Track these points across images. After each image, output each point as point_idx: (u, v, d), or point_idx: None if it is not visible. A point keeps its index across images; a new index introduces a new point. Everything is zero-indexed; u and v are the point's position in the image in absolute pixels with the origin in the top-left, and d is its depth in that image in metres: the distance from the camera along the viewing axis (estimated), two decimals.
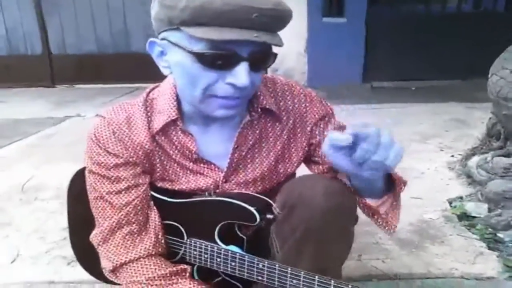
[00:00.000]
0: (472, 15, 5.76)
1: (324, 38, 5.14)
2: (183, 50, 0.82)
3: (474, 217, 1.86)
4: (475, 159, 2.27)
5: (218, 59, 0.80)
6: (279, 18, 0.80)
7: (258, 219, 0.95)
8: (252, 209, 0.95)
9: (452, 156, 2.66)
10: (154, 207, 1.02)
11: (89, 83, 5.90)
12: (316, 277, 0.86)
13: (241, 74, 0.80)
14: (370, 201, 0.95)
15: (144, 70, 5.76)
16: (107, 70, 5.92)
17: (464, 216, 1.88)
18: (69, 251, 1.62)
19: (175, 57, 0.85)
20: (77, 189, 1.16)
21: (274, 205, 0.95)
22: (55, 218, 1.94)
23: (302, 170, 1.10)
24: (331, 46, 5.08)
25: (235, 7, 0.74)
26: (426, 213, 1.92)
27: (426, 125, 3.47)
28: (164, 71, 0.91)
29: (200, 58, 0.80)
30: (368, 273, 1.50)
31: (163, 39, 0.86)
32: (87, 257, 1.22)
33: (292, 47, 4.97)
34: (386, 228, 0.99)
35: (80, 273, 1.47)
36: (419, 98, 4.59)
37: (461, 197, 2.07)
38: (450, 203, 2.02)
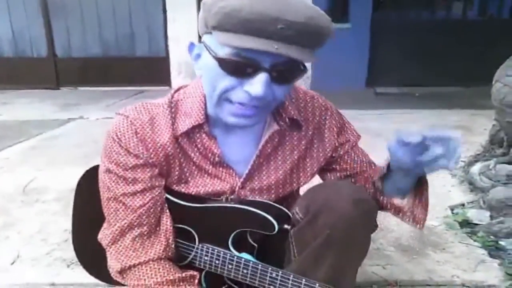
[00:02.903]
0: (477, 22, 5.76)
1: (328, 43, 5.14)
2: (210, 54, 0.83)
3: (476, 224, 1.85)
4: (477, 166, 2.26)
5: (238, 66, 0.80)
6: (310, 33, 0.77)
7: (276, 229, 0.95)
8: (271, 218, 0.95)
9: None
10: (167, 211, 1.00)
11: (93, 85, 5.95)
12: None
13: (257, 84, 0.80)
14: (396, 201, 1.00)
15: (148, 74, 5.90)
16: (111, 73, 5.98)
17: (465, 223, 1.87)
18: (69, 253, 1.63)
19: (205, 59, 0.86)
20: (86, 189, 1.15)
21: (296, 209, 0.95)
22: (56, 220, 1.94)
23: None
24: (335, 52, 5.10)
25: (261, 16, 0.73)
26: (427, 220, 1.90)
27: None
28: (197, 73, 0.93)
29: (222, 63, 0.81)
30: (369, 279, 1.49)
31: (201, 42, 0.88)
32: (89, 257, 1.22)
33: None
34: (414, 223, 1.02)
35: (80, 275, 1.47)
36: (422, 104, 4.59)
37: (463, 204, 2.06)
38: (452, 210, 2.01)
